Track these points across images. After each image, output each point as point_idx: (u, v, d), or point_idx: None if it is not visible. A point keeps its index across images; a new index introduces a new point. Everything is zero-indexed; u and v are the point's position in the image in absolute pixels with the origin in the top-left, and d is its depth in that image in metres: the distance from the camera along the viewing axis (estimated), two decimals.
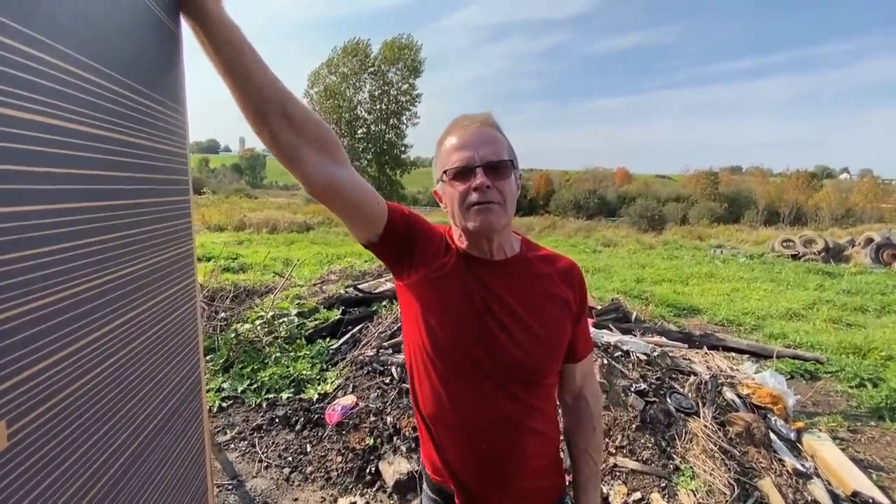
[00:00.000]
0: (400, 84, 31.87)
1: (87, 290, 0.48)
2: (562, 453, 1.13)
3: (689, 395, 2.95)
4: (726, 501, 2.27)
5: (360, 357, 3.52)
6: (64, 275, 0.44)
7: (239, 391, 3.35)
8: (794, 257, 12.41)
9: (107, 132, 0.51)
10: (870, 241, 12.40)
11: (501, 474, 0.96)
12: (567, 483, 1.13)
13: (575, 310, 1.01)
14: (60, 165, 0.43)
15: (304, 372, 3.51)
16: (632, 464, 2.48)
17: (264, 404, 3.22)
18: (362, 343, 3.82)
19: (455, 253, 0.97)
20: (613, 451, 2.56)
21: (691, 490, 2.33)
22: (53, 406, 0.43)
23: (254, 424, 3.02)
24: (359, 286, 5.24)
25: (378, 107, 31.87)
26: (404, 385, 3.09)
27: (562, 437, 1.12)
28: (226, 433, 2.97)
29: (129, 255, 0.57)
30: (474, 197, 0.90)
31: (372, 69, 30.94)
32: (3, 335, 0.37)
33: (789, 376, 4.19)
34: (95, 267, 0.50)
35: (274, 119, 0.72)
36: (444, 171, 0.94)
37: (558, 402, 1.11)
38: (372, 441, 2.70)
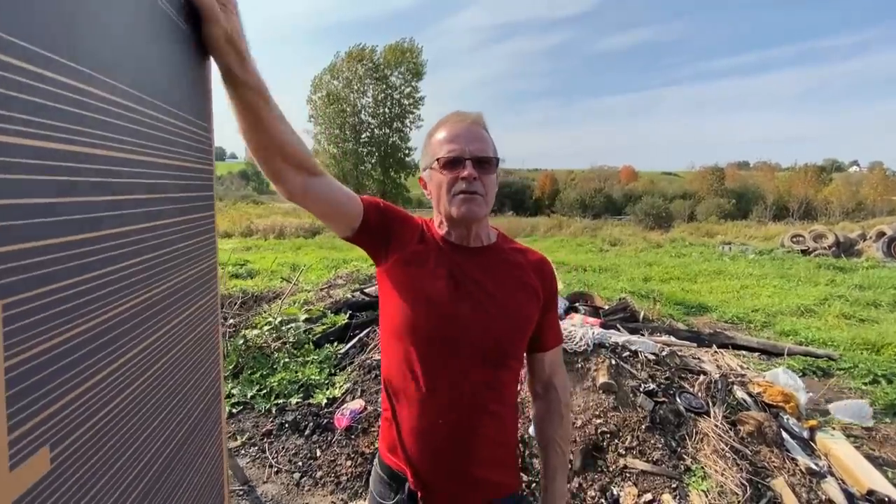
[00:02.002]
0: (403, 87, 31.99)
1: (120, 314, 0.49)
2: (518, 458, 1.16)
3: (699, 394, 2.93)
4: (739, 502, 2.25)
5: (368, 361, 3.53)
6: (100, 300, 0.45)
7: (248, 397, 3.38)
8: (805, 252, 12.28)
9: (145, 157, 0.52)
10: (882, 234, 12.24)
11: (454, 457, 0.98)
12: (522, 484, 1.15)
13: (542, 299, 1.07)
14: (101, 194, 0.44)
15: (312, 377, 3.53)
16: (642, 465, 2.46)
17: (274, 409, 3.24)
18: (370, 347, 3.83)
19: (432, 240, 1.05)
20: (623, 453, 2.54)
21: (703, 491, 2.31)
22: (89, 429, 0.43)
23: (264, 430, 3.04)
24: (365, 290, 5.26)
25: (381, 111, 32.00)
26: None
27: (523, 435, 1.15)
28: (236, 439, 2.99)
29: (157, 275, 0.58)
30: (462, 186, 0.98)
31: (376, 74, 31.09)
32: (46, 363, 0.38)
33: (801, 373, 4.14)
34: (126, 291, 0.51)
35: (270, 155, 0.84)
36: (437, 159, 1.01)
37: (529, 393, 1.18)
38: None
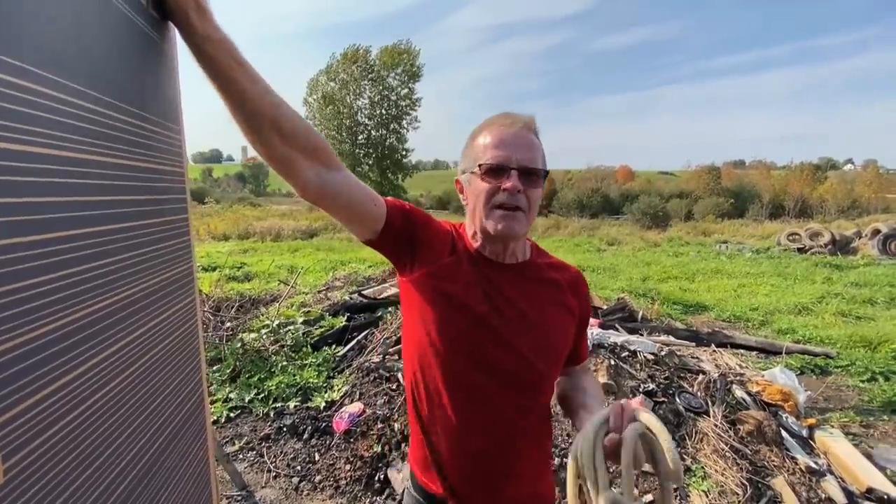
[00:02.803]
0: (399, 89, 32.01)
1: (85, 317, 0.48)
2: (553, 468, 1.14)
3: (699, 394, 2.93)
4: (739, 501, 2.24)
5: (367, 363, 3.51)
6: (61, 303, 0.44)
7: (246, 401, 3.36)
8: (801, 251, 12.32)
9: (103, 157, 0.51)
10: (877, 232, 12.29)
11: (493, 477, 0.95)
12: (556, 492, 1.14)
13: (577, 318, 1.02)
14: (57, 194, 0.43)
15: (310, 380, 3.52)
16: None
17: (272, 413, 3.22)
18: (368, 349, 3.82)
19: (465, 252, 0.96)
20: None
21: (703, 491, 2.31)
22: (53, 436, 0.43)
23: (262, 434, 3.02)
24: (363, 292, 5.25)
25: (378, 112, 32.01)
26: None
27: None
28: (234, 444, 2.97)
29: (128, 277, 0.57)
30: (502, 197, 0.89)
31: (372, 75, 31.09)
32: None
33: (799, 372, 4.15)
34: (94, 293, 0.50)
35: (265, 133, 0.73)
36: (479, 165, 0.92)
37: (557, 397, 1.14)
38: (380, 448, 2.69)
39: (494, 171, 0.90)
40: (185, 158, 0.78)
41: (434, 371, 0.94)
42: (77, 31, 0.48)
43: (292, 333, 4.14)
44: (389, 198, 0.93)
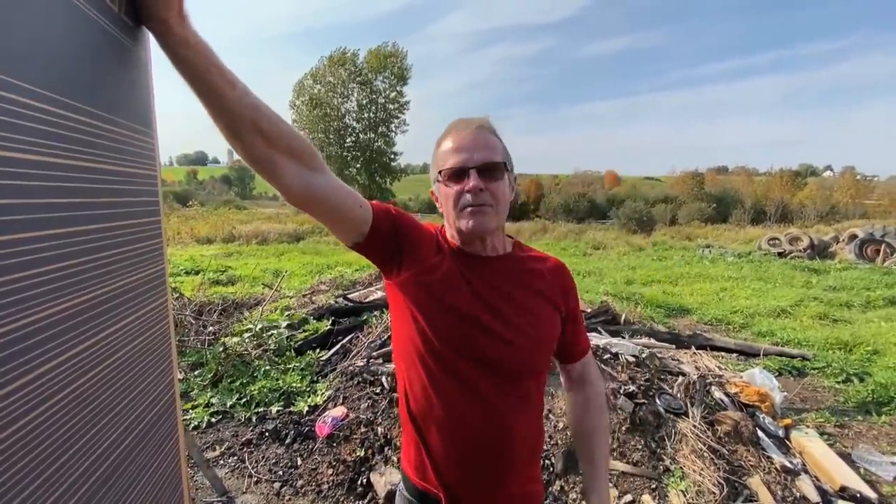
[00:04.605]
0: (387, 92, 32.03)
1: (50, 317, 0.48)
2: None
3: (678, 395, 2.97)
4: (716, 501, 2.28)
5: (351, 368, 3.50)
6: (23, 303, 0.44)
7: (228, 406, 3.32)
8: (781, 255, 12.59)
9: (64, 160, 0.51)
10: (854, 237, 12.63)
11: (487, 473, 0.96)
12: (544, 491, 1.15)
13: (564, 308, 1.04)
14: (14, 196, 0.43)
15: (293, 384, 3.49)
16: (622, 466, 2.48)
17: (254, 418, 3.19)
18: (352, 353, 3.80)
19: (448, 250, 0.99)
20: None
21: (681, 490, 2.35)
22: (12, 434, 0.43)
23: (243, 439, 2.99)
24: (349, 296, 5.23)
25: (366, 115, 31.98)
26: (395, 395, 3.08)
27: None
28: (215, 449, 2.93)
29: (95, 278, 0.58)
30: (467, 199, 0.93)
31: (359, 78, 31.07)
32: None
33: (777, 373, 4.24)
34: (59, 293, 0.50)
35: (246, 135, 0.72)
36: (440, 172, 0.96)
37: (565, 390, 1.17)
38: (363, 452, 2.68)
39: (456, 175, 0.94)
40: (159, 162, 0.78)
41: (426, 368, 0.96)
42: (44, 35, 0.48)
43: (276, 337, 4.10)
44: (375, 201, 0.94)
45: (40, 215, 0.47)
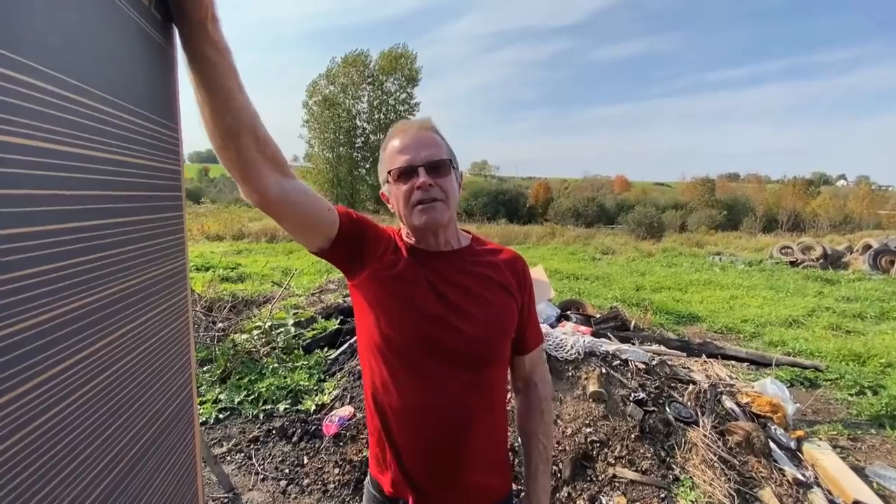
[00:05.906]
0: (398, 93, 32.12)
1: (75, 310, 0.48)
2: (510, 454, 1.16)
3: (689, 404, 2.94)
4: None
5: (358, 367, 3.50)
6: (50, 296, 0.44)
7: (236, 402, 3.33)
8: (793, 264, 12.42)
9: (95, 152, 0.51)
10: (868, 247, 12.42)
11: (448, 463, 0.98)
12: (513, 486, 1.16)
13: (519, 298, 1.07)
14: (45, 187, 0.43)
15: (301, 383, 3.50)
16: (631, 474, 2.46)
17: (261, 416, 3.20)
18: None
19: (405, 249, 1.02)
20: (612, 462, 2.54)
21: (691, 501, 2.31)
22: (37, 428, 0.42)
23: (250, 436, 3.00)
24: None
25: (376, 116, 32.09)
26: None
27: (513, 444, 1.15)
28: (222, 445, 2.95)
29: (119, 272, 0.58)
30: (418, 195, 0.96)
31: (370, 79, 31.20)
32: None
33: (789, 384, 4.17)
34: (85, 286, 0.50)
35: (243, 137, 0.74)
36: (389, 172, 1.00)
37: (510, 389, 1.18)
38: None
39: (405, 174, 0.98)
40: (182, 156, 0.78)
41: (386, 361, 0.99)
42: (79, 29, 0.49)
43: (284, 335, 4.12)
44: (339, 205, 0.97)
45: (75, 207, 0.48)
